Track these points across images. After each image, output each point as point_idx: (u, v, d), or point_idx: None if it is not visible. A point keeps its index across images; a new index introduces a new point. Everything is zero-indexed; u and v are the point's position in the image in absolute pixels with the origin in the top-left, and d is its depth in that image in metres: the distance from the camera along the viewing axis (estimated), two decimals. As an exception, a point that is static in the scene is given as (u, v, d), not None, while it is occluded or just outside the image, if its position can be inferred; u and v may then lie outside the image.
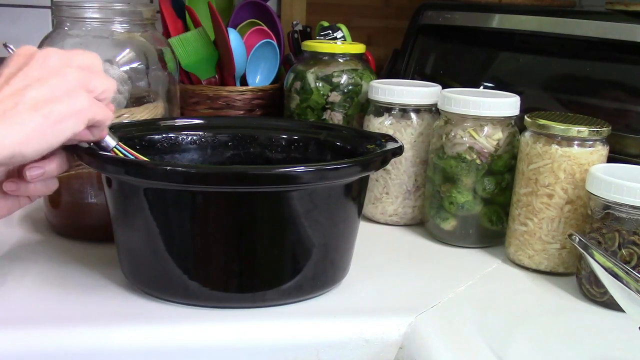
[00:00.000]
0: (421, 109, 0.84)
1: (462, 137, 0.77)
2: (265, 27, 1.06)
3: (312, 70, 0.94)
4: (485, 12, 0.97)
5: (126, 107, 0.78)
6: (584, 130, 0.69)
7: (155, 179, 0.58)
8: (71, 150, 0.61)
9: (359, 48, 0.96)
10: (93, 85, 0.55)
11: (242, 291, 0.62)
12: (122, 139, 0.69)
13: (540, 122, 0.70)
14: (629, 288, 0.47)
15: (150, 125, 0.74)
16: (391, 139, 0.69)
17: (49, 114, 0.51)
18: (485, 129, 0.76)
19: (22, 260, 0.70)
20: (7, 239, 0.75)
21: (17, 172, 0.58)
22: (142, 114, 0.80)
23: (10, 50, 0.58)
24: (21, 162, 0.54)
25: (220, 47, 1.02)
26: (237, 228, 0.60)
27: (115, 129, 0.70)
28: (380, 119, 0.85)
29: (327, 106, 0.93)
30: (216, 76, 1.05)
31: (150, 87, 0.83)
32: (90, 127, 0.56)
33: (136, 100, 0.80)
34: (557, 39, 0.88)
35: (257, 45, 1.02)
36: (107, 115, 0.57)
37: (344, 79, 0.93)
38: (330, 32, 1.04)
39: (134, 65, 0.80)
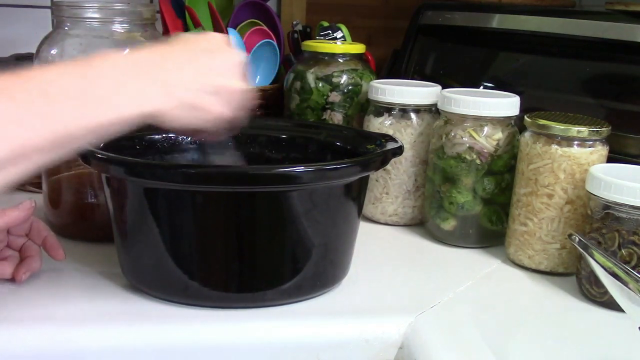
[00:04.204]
0: (421, 109, 0.84)
1: (462, 137, 0.77)
2: (265, 27, 1.06)
3: (312, 70, 0.94)
4: (485, 12, 0.97)
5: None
6: (583, 130, 0.69)
7: (155, 179, 0.58)
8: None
9: (359, 48, 0.96)
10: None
11: (242, 291, 0.62)
12: (122, 139, 0.69)
13: (540, 122, 0.70)
14: (629, 288, 0.47)
15: (150, 125, 0.74)
16: (391, 139, 0.69)
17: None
18: (485, 129, 0.76)
19: (22, 260, 0.70)
20: (7, 239, 0.75)
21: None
22: (142, 114, 0.80)
23: None
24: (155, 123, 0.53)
25: (220, 47, 1.01)
26: (237, 228, 0.60)
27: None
28: (380, 119, 0.85)
29: (327, 106, 0.93)
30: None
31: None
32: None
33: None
34: (557, 39, 0.88)
35: (257, 45, 1.02)
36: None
37: (344, 79, 0.93)
38: (330, 32, 1.04)
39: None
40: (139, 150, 0.71)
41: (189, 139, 0.74)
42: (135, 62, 0.51)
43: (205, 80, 0.54)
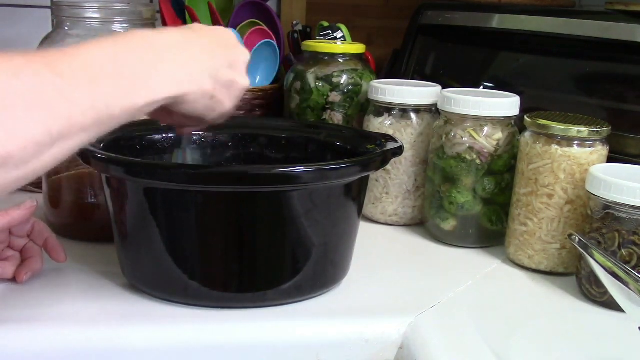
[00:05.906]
0: (421, 109, 0.84)
1: (462, 137, 0.77)
2: (265, 27, 1.06)
3: (312, 70, 0.94)
4: (485, 12, 0.97)
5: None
6: (583, 130, 0.69)
7: (156, 179, 0.58)
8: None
9: (359, 48, 0.96)
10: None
11: (242, 291, 0.62)
12: (122, 139, 0.69)
13: (540, 122, 0.70)
14: (629, 288, 0.47)
15: (150, 125, 0.74)
16: (391, 139, 0.69)
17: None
18: (485, 129, 0.76)
19: (22, 260, 0.70)
20: (7, 239, 0.75)
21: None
22: (142, 114, 0.80)
23: None
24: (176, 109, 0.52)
25: (220, 47, 1.01)
26: (237, 228, 0.60)
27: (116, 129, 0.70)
28: (380, 119, 0.85)
29: (327, 106, 0.93)
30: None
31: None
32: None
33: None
34: (557, 39, 0.88)
35: (257, 45, 1.02)
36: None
37: (344, 79, 0.93)
38: (330, 32, 1.04)
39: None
40: (139, 150, 0.71)
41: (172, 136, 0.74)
42: (167, 44, 0.51)
43: (223, 72, 0.54)
